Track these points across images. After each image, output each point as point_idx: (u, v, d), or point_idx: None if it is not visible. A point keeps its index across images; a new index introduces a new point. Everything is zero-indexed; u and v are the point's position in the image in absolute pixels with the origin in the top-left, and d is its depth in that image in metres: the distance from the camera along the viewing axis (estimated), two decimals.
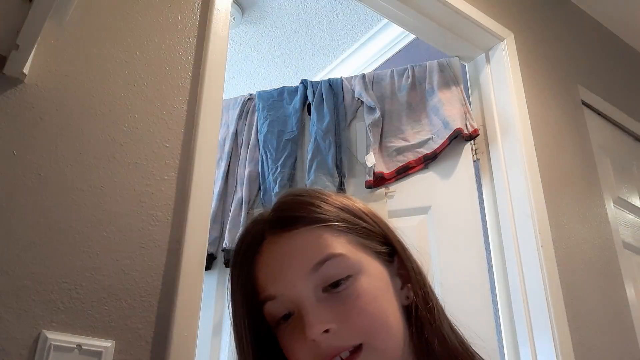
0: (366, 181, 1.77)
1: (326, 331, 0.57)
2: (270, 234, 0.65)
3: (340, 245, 0.62)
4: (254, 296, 0.64)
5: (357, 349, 0.58)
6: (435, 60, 1.89)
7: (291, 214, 0.65)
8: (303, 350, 0.59)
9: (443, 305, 0.67)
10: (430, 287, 0.67)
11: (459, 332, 0.66)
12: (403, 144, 1.82)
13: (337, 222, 0.63)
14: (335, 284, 0.60)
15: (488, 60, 1.86)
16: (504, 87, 1.78)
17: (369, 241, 0.65)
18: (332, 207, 0.65)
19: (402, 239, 0.69)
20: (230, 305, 0.66)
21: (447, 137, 1.71)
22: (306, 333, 0.57)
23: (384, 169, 1.78)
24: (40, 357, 0.82)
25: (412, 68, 1.93)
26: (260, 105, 2.05)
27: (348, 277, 0.60)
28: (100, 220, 0.95)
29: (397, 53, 2.65)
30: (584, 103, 2.13)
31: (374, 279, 0.62)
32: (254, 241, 0.66)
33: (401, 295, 0.65)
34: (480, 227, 1.64)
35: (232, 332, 0.66)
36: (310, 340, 0.57)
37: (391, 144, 1.83)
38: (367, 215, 0.67)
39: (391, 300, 0.62)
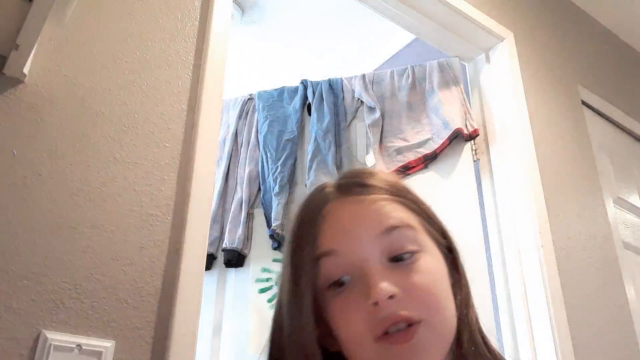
0: None
1: (391, 297, 0.54)
2: (340, 195, 0.62)
3: (411, 220, 0.60)
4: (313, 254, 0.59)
5: (415, 323, 0.55)
6: (435, 60, 1.89)
7: (364, 181, 0.62)
8: (359, 318, 0.55)
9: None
10: (471, 293, 0.65)
11: (488, 339, 0.65)
12: (403, 144, 1.82)
13: (408, 200, 0.62)
14: (400, 257, 0.57)
15: (488, 60, 1.86)
16: (504, 87, 1.78)
17: (433, 229, 0.63)
18: (402, 186, 0.63)
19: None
20: (287, 265, 0.61)
21: (447, 137, 1.71)
22: (370, 294, 0.53)
23: (384, 168, 1.78)
24: (40, 357, 0.82)
25: (412, 68, 1.93)
26: (260, 105, 2.05)
27: (414, 251, 0.58)
28: (100, 220, 0.95)
29: (397, 53, 2.65)
30: (584, 103, 2.13)
31: (437, 263, 0.60)
32: (320, 201, 0.62)
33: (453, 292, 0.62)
34: (480, 227, 1.64)
35: (281, 297, 0.61)
36: (371, 304, 0.53)
37: (391, 144, 1.83)
38: (427, 205, 0.65)
39: (448, 290, 0.60)
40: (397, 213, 0.59)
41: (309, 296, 0.57)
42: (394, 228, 0.58)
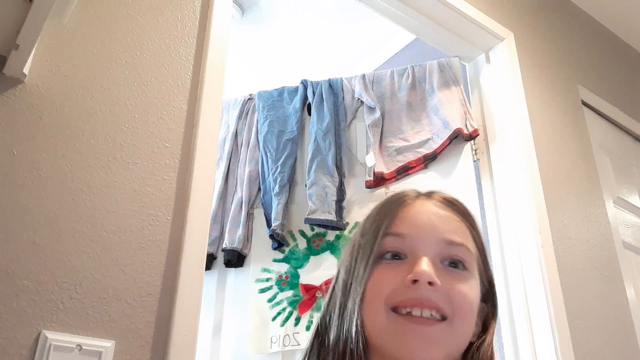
0: (366, 181, 1.77)
1: (430, 284, 0.58)
2: (422, 198, 0.68)
3: (473, 249, 0.65)
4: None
5: (441, 320, 0.59)
6: (435, 60, 1.89)
7: (447, 198, 0.68)
8: (389, 283, 0.59)
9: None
10: (493, 346, 0.68)
11: None
12: (403, 144, 1.82)
13: (477, 235, 0.67)
14: (455, 263, 0.62)
15: (488, 60, 1.86)
16: (504, 87, 1.77)
17: (483, 269, 0.68)
18: (478, 224, 0.69)
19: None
20: (366, 230, 0.66)
21: (447, 137, 1.71)
22: (415, 269, 0.58)
23: (384, 169, 1.78)
24: (40, 357, 0.82)
25: (412, 68, 1.93)
26: (260, 105, 2.05)
27: (465, 268, 0.62)
28: (100, 220, 0.95)
29: (397, 53, 2.65)
30: (584, 103, 2.13)
31: (477, 291, 0.64)
32: (402, 196, 0.68)
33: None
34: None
35: (354, 255, 0.66)
36: (409, 280, 0.58)
37: (391, 144, 1.83)
38: (486, 250, 0.71)
39: (475, 316, 0.64)
40: (466, 237, 0.64)
41: (369, 260, 0.62)
42: (458, 244, 0.63)
